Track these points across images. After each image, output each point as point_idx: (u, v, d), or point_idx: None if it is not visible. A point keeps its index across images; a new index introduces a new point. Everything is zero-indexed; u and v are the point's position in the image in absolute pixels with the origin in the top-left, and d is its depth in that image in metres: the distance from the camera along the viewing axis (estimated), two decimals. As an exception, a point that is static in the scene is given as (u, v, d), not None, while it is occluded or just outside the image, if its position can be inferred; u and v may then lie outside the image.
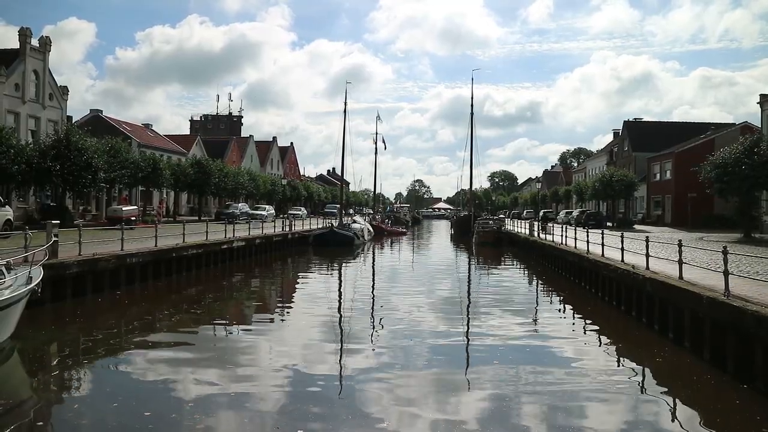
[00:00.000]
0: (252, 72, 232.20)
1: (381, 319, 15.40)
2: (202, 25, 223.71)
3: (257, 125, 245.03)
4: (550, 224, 37.82)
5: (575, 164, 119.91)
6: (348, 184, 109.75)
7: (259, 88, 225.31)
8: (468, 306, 18.45)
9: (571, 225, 36.98)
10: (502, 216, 75.18)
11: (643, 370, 10.89)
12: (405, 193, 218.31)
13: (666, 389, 9.66)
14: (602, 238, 19.82)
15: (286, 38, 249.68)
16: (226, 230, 28.91)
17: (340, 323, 15.19)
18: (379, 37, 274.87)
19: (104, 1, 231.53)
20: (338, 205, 60.23)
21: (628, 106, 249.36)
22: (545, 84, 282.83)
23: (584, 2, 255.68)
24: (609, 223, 48.56)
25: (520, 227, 42.95)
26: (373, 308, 17.54)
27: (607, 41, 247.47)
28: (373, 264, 33.03)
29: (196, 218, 49.86)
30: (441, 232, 76.16)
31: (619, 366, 11.35)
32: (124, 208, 35.31)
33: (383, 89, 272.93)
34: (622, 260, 16.90)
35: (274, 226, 39.81)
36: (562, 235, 26.58)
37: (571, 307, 18.18)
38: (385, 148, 70.55)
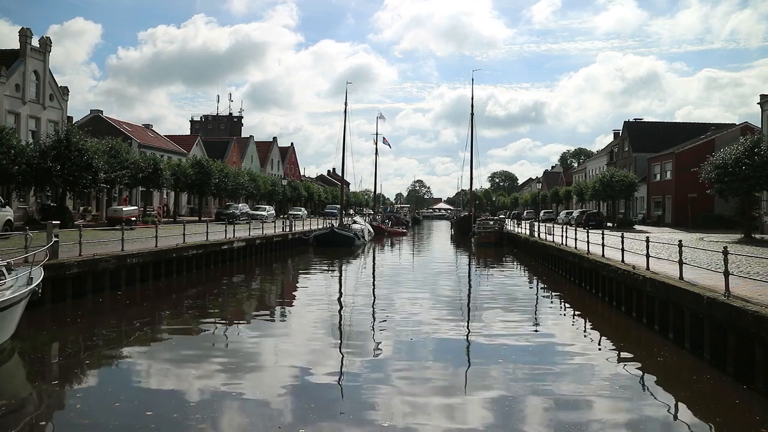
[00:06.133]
0: (256, 72, 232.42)
1: (382, 319, 15.43)
2: (207, 26, 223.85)
3: (260, 125, 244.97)
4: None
5: (575, 165, 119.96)
6: (348, 184, 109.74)
7: (262, 88, 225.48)
8: (469, 306, 18.46)
9: (571, 225, 37.07)
10: (502, 216, 75.22)
11: (644, 370, 10.90)
12: (405, 194, 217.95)
13: (666, 389, 9.67)
14: (602, 238, 19.83)
15: (292, 39, 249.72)
16: (226, 231, 28.93)
17: (341, 323, 15.20)
18: (384, 38, 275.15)
19: (111, 2, 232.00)
20: (338, 206, 60.21)
21: (632, 107, 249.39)
22: (548, 84, 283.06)
23: (591, 2, 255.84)
24: (609, 224, 48.55)
25: (520, 228, 42.98)
26: (373, 308, 17.55)
27: (612, 41, 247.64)
28: (374, 264, 33.03)
29: (197, 219, 49.92)
30: (441, 232, 76.18)
31: (619, 366, 11.34)
32: (124, 209, 35.36)
33: (386, 89, 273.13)
34: (623, 261, 16.90)
35: (275, 227, 39.85)
36: (562, 236, 26.59)
37: (571, 308, 18.18)
38: (390, 147, 70.85)
